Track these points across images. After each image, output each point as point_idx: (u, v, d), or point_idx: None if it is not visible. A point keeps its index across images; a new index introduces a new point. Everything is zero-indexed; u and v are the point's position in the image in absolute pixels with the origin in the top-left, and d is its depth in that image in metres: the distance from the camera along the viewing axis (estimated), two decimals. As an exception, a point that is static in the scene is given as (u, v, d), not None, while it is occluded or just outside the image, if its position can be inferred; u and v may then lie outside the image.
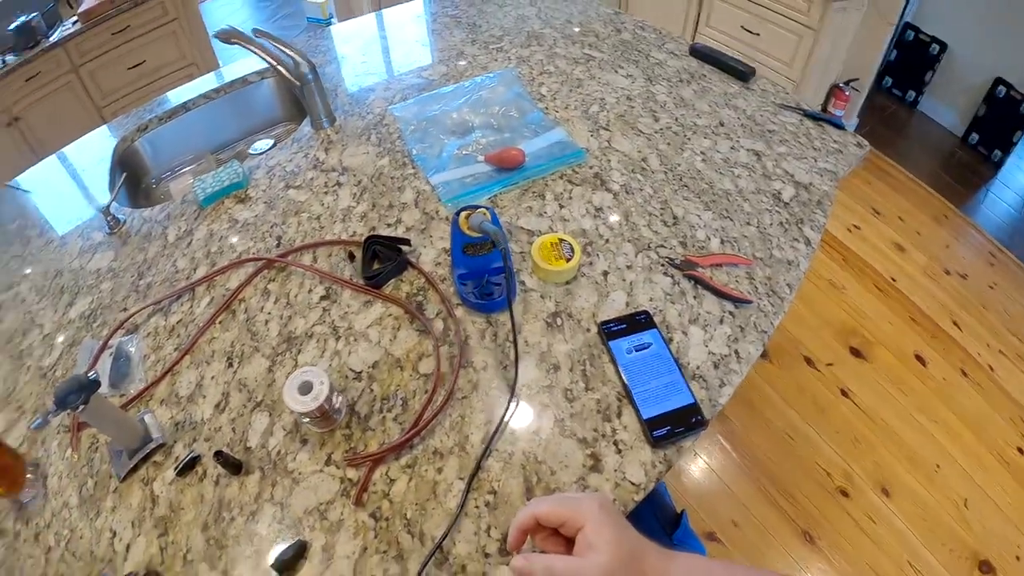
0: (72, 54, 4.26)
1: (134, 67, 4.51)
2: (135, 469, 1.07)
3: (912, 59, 4.44)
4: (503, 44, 1.77)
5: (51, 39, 4.10)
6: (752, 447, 2.37)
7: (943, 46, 4.21)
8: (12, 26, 3.88)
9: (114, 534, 1.02)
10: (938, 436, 2.43)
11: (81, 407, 0.95)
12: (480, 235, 1.06)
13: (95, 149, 2.03)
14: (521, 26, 1.86)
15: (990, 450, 2.40)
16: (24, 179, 2.05)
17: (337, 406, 0.99)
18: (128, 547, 0.99)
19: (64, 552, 1.04)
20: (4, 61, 3.97)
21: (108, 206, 1.56)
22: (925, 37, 4.30)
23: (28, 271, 1.63)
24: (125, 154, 1.97)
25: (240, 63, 2.15)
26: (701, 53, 1.66)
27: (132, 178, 1.84)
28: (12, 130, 4.36)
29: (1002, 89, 3.91)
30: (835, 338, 2.77)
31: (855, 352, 2.72)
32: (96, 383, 0.96)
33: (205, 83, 2.09)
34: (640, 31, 1.72)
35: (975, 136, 4.18)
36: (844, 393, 2.56)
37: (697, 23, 3.90)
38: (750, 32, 3.58)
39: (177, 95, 2.10)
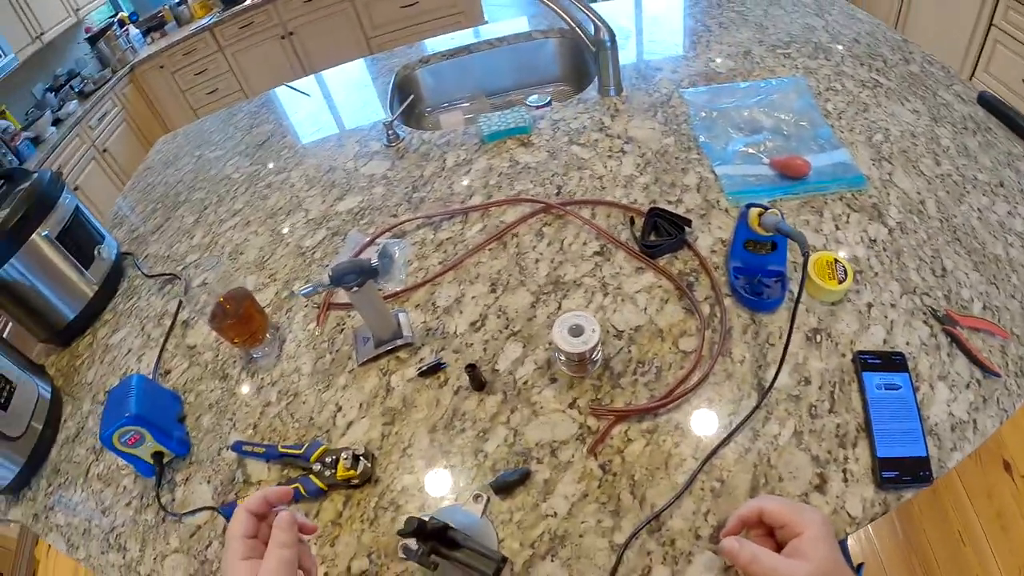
0: (354, -16, 4.54)
1: (407, 6, 4.74)
2: (377, 358, 1.15)
3: None
4: (790, 51, 1.73)
5: (336, -34, 4.39)
6: (920, 534, 2.23)
7: None
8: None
9: (339, 409, 1.09)
10: None
11: (355, 288, 1.03)
12: (767, 234, 1.05)
13: (365, 74, 2.21)
14: (808, 36, 1.81)
15: None
16: (300, 84, 2.20)
17: (596, 356, 1.01)
18: (350, 424, 1.06)
19: (283, 410, 1.12)
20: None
21: (392, 121, 1.64)
22: None
23: (300, 162, 1.75)
24: (405, 79, 2.09)
25: (507, 23, 2.26)
26: (990, 104, 1.55)
27: (408, 98, 1.93)
28: (285, 43, 4.71)
29: None
30: (993, 440, 2.55)
31: (1006, 465, 2.49)
32: (375, 271, 1.04)
33: (468, 36, 2.18)
34: (928, 65, 1.64)
35: None
36: None
37: (976, 66, 3.63)
38: None
39: (451, 38, 2.24)
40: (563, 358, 1.00)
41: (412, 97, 1.87)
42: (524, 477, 0.91)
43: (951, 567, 2.11)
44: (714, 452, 0.90)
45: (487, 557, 0.72)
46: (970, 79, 3.66)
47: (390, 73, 2.11)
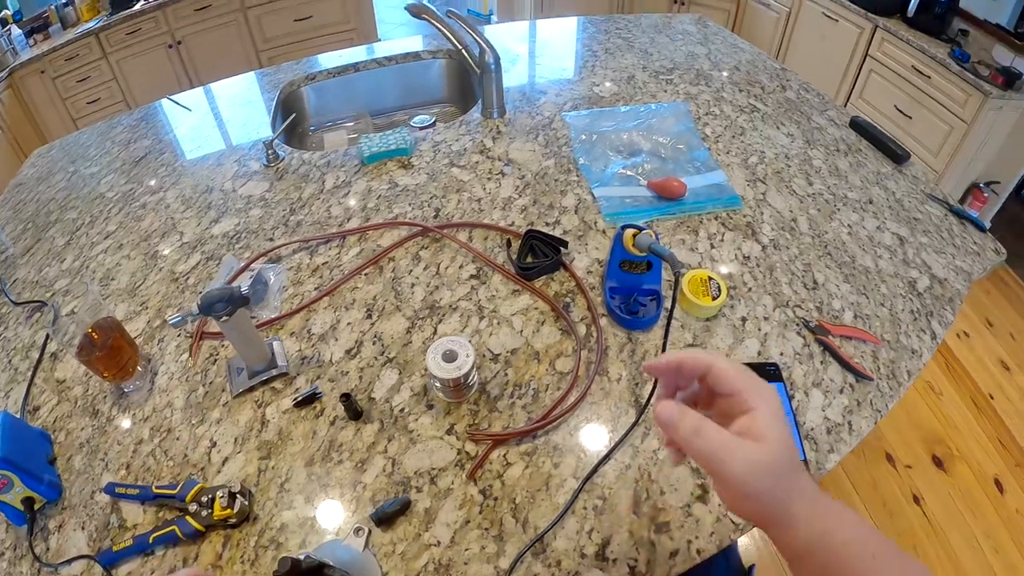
0: (247, -6, 4.44)
1: (300, 20, 4.67)
2: (251, 389, 1.11)
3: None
4: (672, 77, 1.78)
5: (231, -25, 4.30)
6: None
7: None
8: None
9: (214, 444, 1.05)
10: (997, 568, 2.32)
11: (225, 317, 0.99)
12: (641, 255, 1.07)
13: (252, 87, 2.14)
14: (691, 63, 1.87)
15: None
16: (183, 98, 2.13)
17: (472, 381, 1.01)
18: (225, 460, 1.02)
19: (156, 447, 1.07)
20: (181, -15, 4.17)
21: (272, 140, 1.61)
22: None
23: (177, 181, 1.69)
24: (290, 97, 2.05)
25: (399, 41, 2.25)
26: (860, 127, 1.63)
27: (290, 117, 1.89)
28: (172, 52, 4.56)
29: None
30: (920, 442, 2.69)
31: (936, 461, 2.62)
32: (245, 298, 1.00)
33: (361, 52, 2.15)
34: (804, 92, 1.72)
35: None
36: (916, 500, 2.48)
37: (851, 93, 3.86)
38: (903, 113, 3.52)
39: (339, 55, 2.20)
40: (439, 384, 0.99)
41: (294, 116, 1.83)
42: (404, 507, 0.90)
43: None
44: (594, 471, 0.91)
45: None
46: (845, 105, 3.88)
47: (275, 89, 2.06)
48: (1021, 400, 2.89)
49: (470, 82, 2.04)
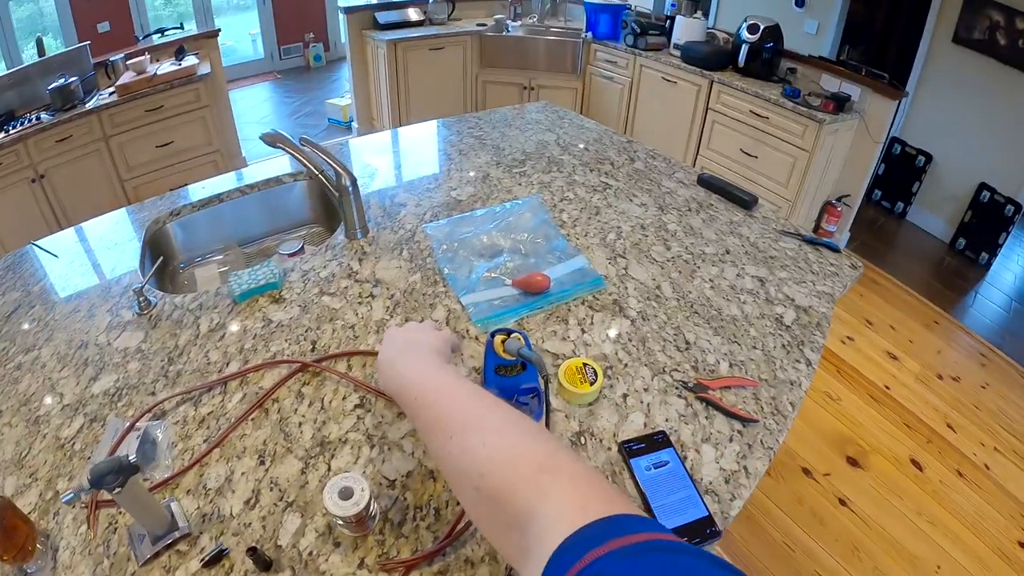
0: (105, 123, 4.44)
1: (162, 146, 4.63)
2: (157, 555, 1.09)
3: (900, 171, 4.83)
4: (526, 168, 1.86)
5: (88, 105, 4.29)
6: (751, 559, 2.38)
7: (928, 157, 4.54)
8: (52, 86, 4.08)
9: (125, 621, 1.02)
10: (938, 538, 2.46)
11: (118, 489, 0.98)
12: (514, 358, 1.11)
13: (120, 226, 2.12)
14: (542, 151, 1.95)
15: (991, 547, 2.45)
16: (49, 243, 2.08)
17: (373, 512, 1.03)
18: (138, 635, 0.99)
19: (71, 633, 1.03)
20: (40, 118, 4.15)
21: (142, 287, 1.59)
22: (911, 150, 4.65)
23: (50, 337, 1.65)
24: (156, 236, 2.04)
25: (264, 162, 2.29)
26: (708, 183, 1.75)
27: (155, 262, 1.88)
28: (35, 187, 4.43)
29: (986, 194, 4.24)
30: (832, 448, 2.83)
31: (852, 461, 2.77)
32: (135, 467, 1.00)
33: (229, 179, 2.18)
34: (651, 159, 1.82)
35: (962, 241, 4.52)
36: (842, 502, 2.60)
37: (699, 146, 4.11)
38: (748, 155, 3.82)
39: (202, 187, 2.21)
40: (341, 521, 1.01)
41: (161, 259, 1.82)
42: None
43: (789, 574, 2.26)
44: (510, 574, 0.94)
45: None
46: (695, 160, 4.14)
47: (142, 227, 2.03)
48: (915, 382, 3.11)
49: (331, 202, 2.08)
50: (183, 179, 2.20)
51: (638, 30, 4.29)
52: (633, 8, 4.57)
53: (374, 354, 1.35)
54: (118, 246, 2.00)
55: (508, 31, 5.06)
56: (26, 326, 1.74)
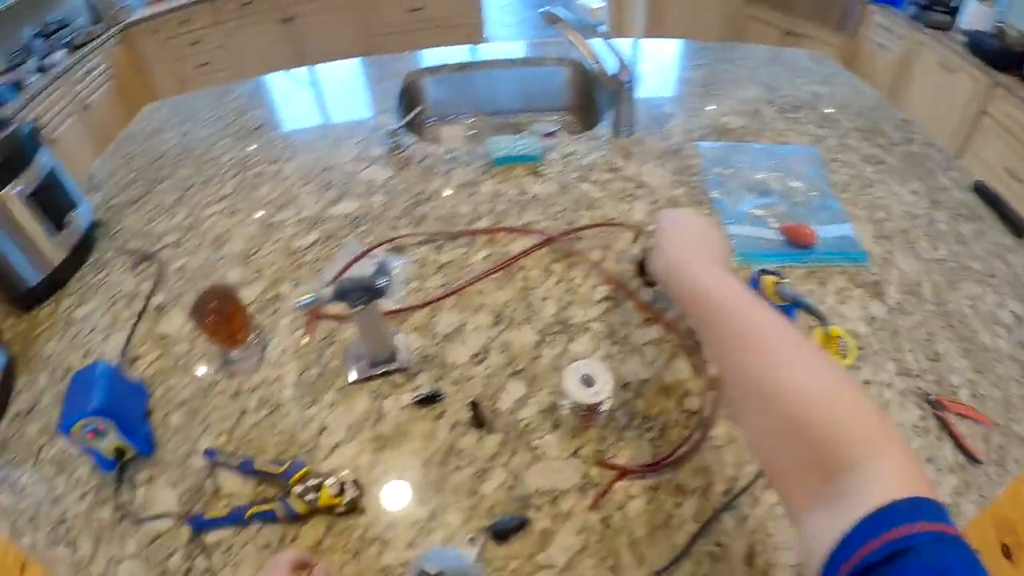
0: (363, -22, 4.49)
1: (413, 10, 4.69)
2: (369, 379, 1.09)
3: None
4: (799, 116, 1.73)
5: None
6: None
7: None
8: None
9: (324, 428, 1.03)
10: None
11: (360, 307, 0.97)
12: (781, 303, 1.02)
13: (367, 72, 2.17)
14: (815, 103, 1.81)
15: None
16: (295, 75, 2.14)
17: (604, 408, 0.96)
18: (335, 446, 1.00)
19: (262, 420, 1.06)
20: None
21: (398, 128, 1.59)
22: None
23: (295, 155, 1.71)
24: (411, 87, 2.04)
25: (507, 43, 2.28)
26: (983, 193, 1.56)
27: (409, 111, 1.88)
28: (284, 27, 4.62)
29: None
30: (992, 526, 2.60)
31: (1005, 550, 2.53)
32: (382, 291, 0.98)
33: (489, 50, 2.12)
34: (928, 147, 1.65)
35: None
36: None
37: (962, 148, 3.70)
38: (1014, 177, 3.34)
39: (459, 54, 2.19)
40: (570, 405, 0.95)
41: (421, 108, 1.82)
42: (521, 525, 0.87)
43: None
44: (714, 516, 0.87)
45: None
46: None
47: (394, 77, 2.05)
48: None
49: (591, 95, 2.02)
50: (425, 45, 2.23)
51: (923, 2, 3.91)
52: None
53: (629, 226, 1.31)
54: (368, 88, 2.03)
55: (782, -35, 4.74)
56: (270, 141, 1.80)
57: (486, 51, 2.16)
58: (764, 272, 1.05)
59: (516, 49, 2.16)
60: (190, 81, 4.78)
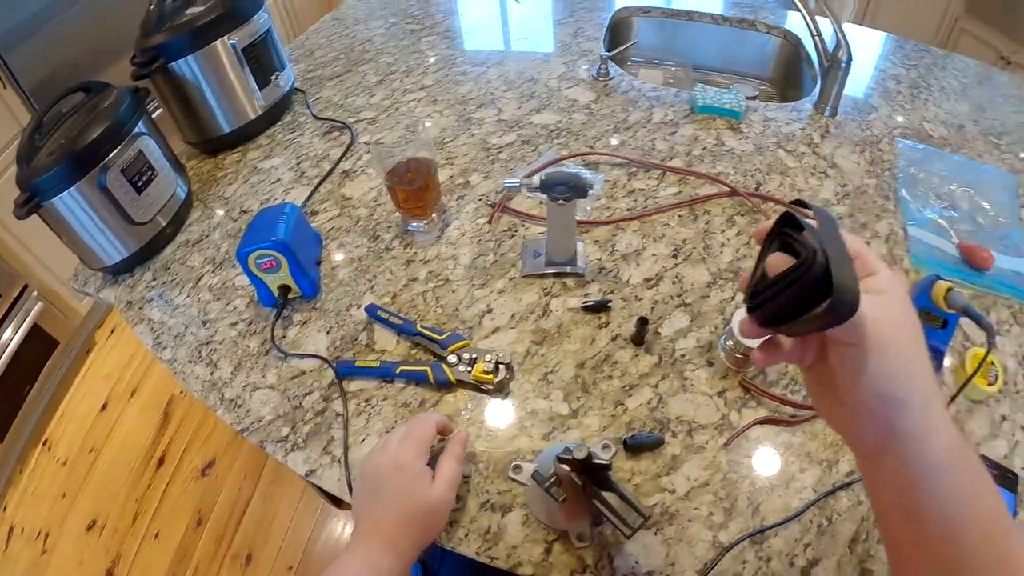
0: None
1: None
2: (543, 276, 1.15)
3: None
4: (1002, 143, 1.66)
5: None
6: None
7: None
8: None
9: (489, 310, 1.10)
10: None
11: (562, 201, 1.02)
12: (946, 311, 1.02)
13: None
14: (1023, 135, 1.73)
15: None
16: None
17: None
18: (496, 329, 1.07)
19: (429, 291, 1.13)
20: None
21: (609, 56, 1.62)
22: None
23: (501, 63, 1.77)
24: (621, 22, 2.05)
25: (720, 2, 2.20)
26: None
27: (615, 44, 1.91)
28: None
29: None
30: None
31: None
32: (585, 192, 1.02)
33: (707, 4, 2.11)
34: None
35: None
36: None
37: None
38: None
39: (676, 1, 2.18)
40: (730, 346, 0.99)
41: (634, 42, 1.84)
42: (657, 444, 0.92)
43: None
44: (832, 492, 0.89)
45: (636, 509, 0.72)
46: None
47: (604, 10, 2.07)
48: None
49: (796, 69, 1.98)
50: None
51: None
52: None
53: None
54: (578, 16, 2.04)
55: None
56: (478, 45, 1.85)
57: (693, 3, 2.14)
58: (939, 278, 1.05)
59: (723, 7, 2.13)
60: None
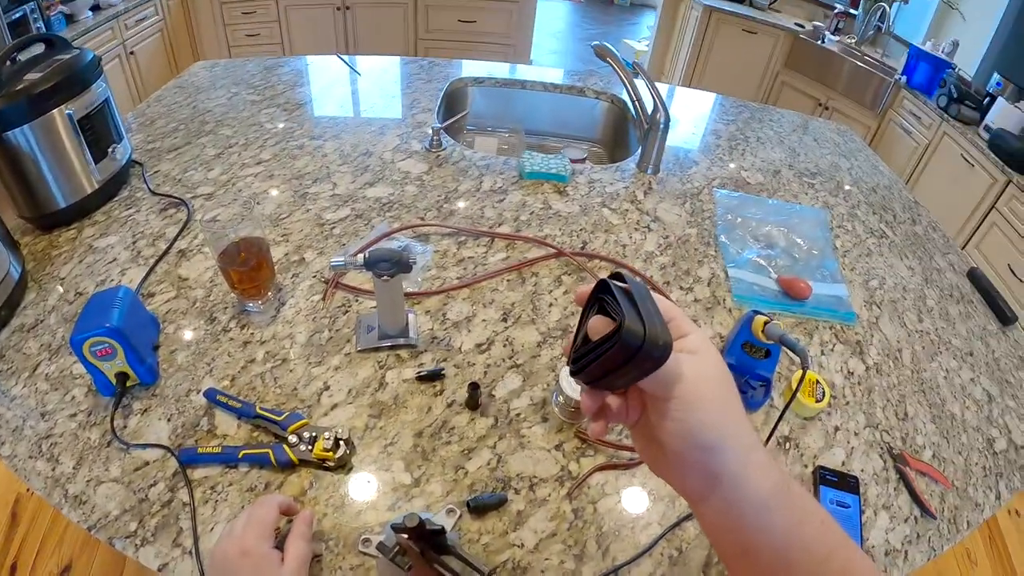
0: (423, -17, 4.60)
1: (465, 22, 4.78)
2: (377, 350, 1.15)
3: None
4: (815, 183, 1.81)
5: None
6: None
7: None
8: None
9: (327, 387, 1.09)
10: None
11: (386, 277, 1.03)
12: (766, 342, 1.09)
13: (415, 71, 2.25)
14: (833, 173, 1.89)
15: None
16: (353, 58, 2.23)
17: (591, 410, 1.02)
18: (335, 406, 1.06)
19: (267, 372, 1.11)
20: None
21: (440, 128, 1.66)
22: None
23: (338, 136, 1.79)
24: (456, 92, 2.12)
25: (549, 70, 2.36)
26: (977, 279, 1.63)
27: (449, 115, 1.96)
28: (339, 14, 4.70)
29: None
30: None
31: None
32: (409, 266, 1.04)
33: (533, 72, 2.21)
34: (931, 230, 1.73)
35: None
36: None
37: (968, 241, 3.75)
38: (1015, 275, 3.40)
39: (504, 70, 2.28)
40: (561, 401, 1.02)
41: (466, 112, 1.90)
42: (501, 503, 0.93)
43: None
44: (677, 523, 0.93)
45: (476, 569, 0.73)
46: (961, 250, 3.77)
47: (439, 80, 2.14)
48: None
49: (623, 130, 2.09)
50: (468, 57, 2.35)
51: (955, 95, 3.94)
52: (956, 70, 4.19)
53: (641, 275, 1.36)
54: (412, 87, 2.11)
55: (824, 42, 4.80)
56: (315, 118, 1.87)
57: (528, 73, 2.24)
58: (757, 312, 1.12)
59: (556, 76, 2.24)
60: (236, 49, 4.87)
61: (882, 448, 1.11)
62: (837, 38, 4.90)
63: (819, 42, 4.81)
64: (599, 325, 0.49)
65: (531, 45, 5.18)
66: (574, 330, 0.56)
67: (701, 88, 2.34)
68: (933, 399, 1.22)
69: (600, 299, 0.52)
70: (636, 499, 0.96)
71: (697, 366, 0.49)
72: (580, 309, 0.57)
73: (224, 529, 0.83)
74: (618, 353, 0.45)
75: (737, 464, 0.49)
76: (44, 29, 3.43)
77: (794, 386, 1.07)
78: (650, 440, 0.53)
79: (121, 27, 4.02)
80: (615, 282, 0.51)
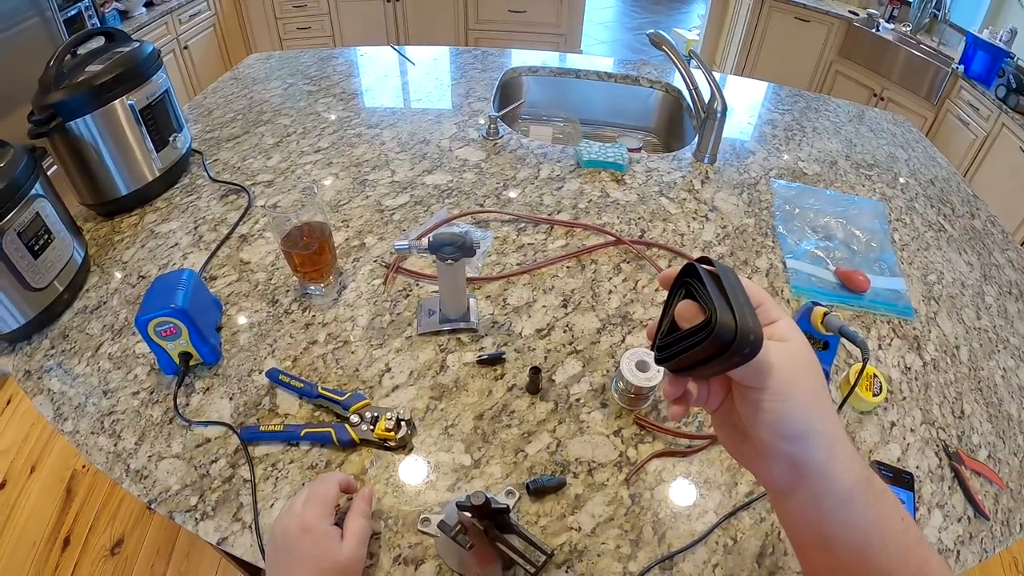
0: (476, -29, 4.61)
1: (515, 11, 4.77)
2: (438, 333, 1.17)
3: None
4: (872, 174, 1.78)
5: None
6: None
7: None
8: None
9: (388, 369, 1.11)
10: None
11: (450, 261, 1.04)
12: (825, 334, 1.08)
13: (475, 62, 2.26)
14: (891, 164, 1.86)
15: None
16: (408, 50, 2.25)
17: (651, 396, 1.03)
18: (396, 387, 1.08)
19: (328, 353, 1.13)
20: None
21: (497, 116, 1.67)
22: None
23: (395, 124, 1.81)
24: (511, 82, 2.12)
25: (601, 59, 2.35)
26: None
27: (504, 104, 1.97)
28: (389, 6, 4.73)
29: None
30: None
31: None
32: (473, 251, 1.05)
33: (589, 62, 2.22)
34: (990, 225, 1.69)
35: None
36: None
37: None
38: None
39: (557, 60, 2.28)
40: (621, 387, 1.03)
41: (522, 102, 1.90)
42: (560, 486, 0.94)
43: None
44: (733, 512, 0.93)
45: (538, 548, 0.74)
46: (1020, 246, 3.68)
47: (493, 70, 2.15)
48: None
49: (678, 119, 2.08)
50: (518, 46, 2.32)
51: (1014, 85, 3.81)
52: (1015, 60, 4.04)
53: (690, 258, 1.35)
54: (469, 77, 2.13)
55: (878, 30, 4.71)
56: (372, 107, 1.89)
57: (581, 62, 2.24)
58: (816, 304, 1.11)
59: (609, 65, 2.23)
60: (287, 42, 4.95)
61: (938, 446, 1.09)
62: (892, 26, 4.77)
63: (874, 30, 4.69)
64: (688, 312, 0.48)
65: (581, 34, 5.15)
66: (658, 315, 0.55)
67: (754, 77, 2.31)
68: (990, 398, 1.20)
69: (687, 283, 0.51)
70: (693, 487, 0.96)
71: (788, 355, 0.48)
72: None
73: (284, 505, 0.84)
74: (709, 347, 0.44)
75: (824, 455, 0.48)
76: (99, 25, 3.51)
77: (852, 379, 1.06)
78: (734, 428, 0.53)
79: (175, 22, 4.10)
80: (703, 266, 0.50)
